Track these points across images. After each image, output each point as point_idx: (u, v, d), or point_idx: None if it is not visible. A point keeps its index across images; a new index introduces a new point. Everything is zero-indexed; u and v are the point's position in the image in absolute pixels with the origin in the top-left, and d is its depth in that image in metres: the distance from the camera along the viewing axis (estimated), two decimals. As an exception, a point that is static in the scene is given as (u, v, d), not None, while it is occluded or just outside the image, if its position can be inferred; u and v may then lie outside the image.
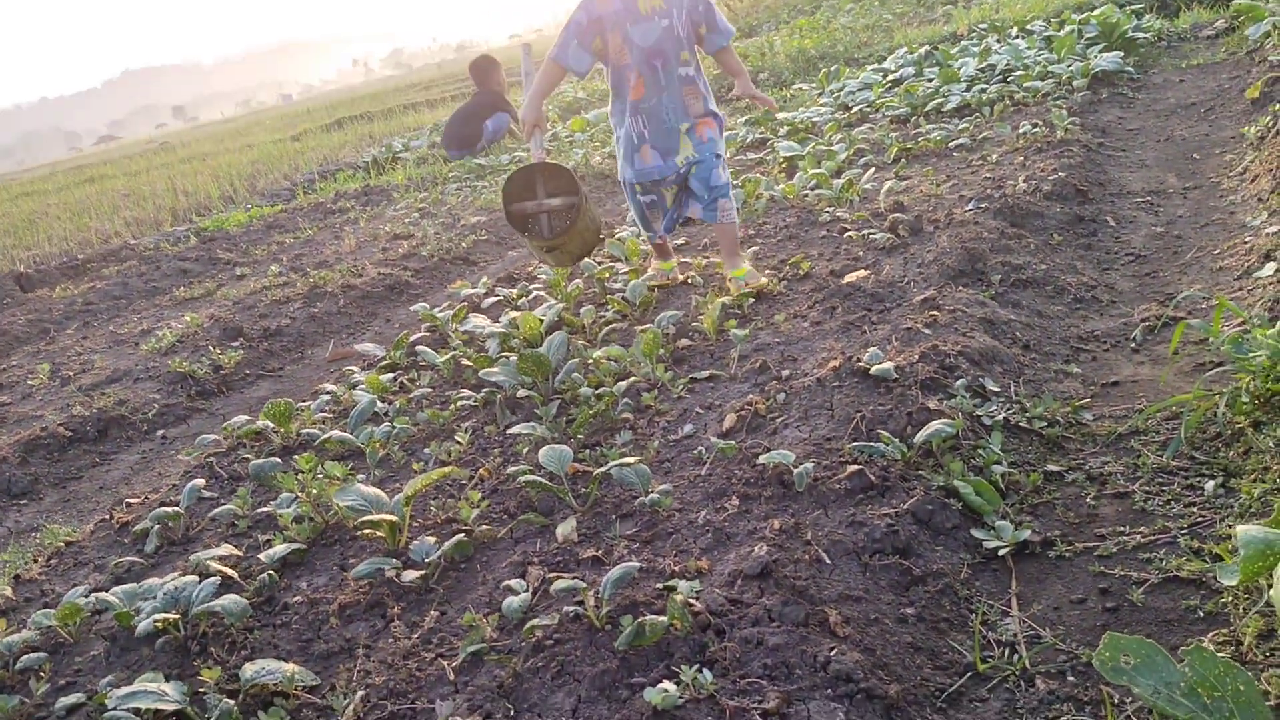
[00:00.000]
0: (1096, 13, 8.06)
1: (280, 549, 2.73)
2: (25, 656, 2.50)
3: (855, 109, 7.71)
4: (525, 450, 3.14)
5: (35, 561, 3.21)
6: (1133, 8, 8.86)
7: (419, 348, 4.23)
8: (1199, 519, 2.28)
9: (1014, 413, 2.83)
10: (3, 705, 2.31)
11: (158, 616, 2.41)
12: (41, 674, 2.45)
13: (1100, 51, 7.39)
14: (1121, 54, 7.23)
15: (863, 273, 4.00)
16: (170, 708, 2.10)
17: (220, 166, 17.22)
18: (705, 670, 1.91)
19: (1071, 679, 1.91)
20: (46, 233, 12.84)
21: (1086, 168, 4.97)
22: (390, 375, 4.11)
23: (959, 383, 2.92)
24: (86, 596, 2.71)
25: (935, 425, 2.61)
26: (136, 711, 2.14)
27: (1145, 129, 5.89)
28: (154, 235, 10.80)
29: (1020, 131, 5.73)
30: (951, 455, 2.60)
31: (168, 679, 2.25)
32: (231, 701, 2.12)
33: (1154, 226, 4.26)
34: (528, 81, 4.34)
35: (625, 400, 3.32)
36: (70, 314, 7.36)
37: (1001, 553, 2.30)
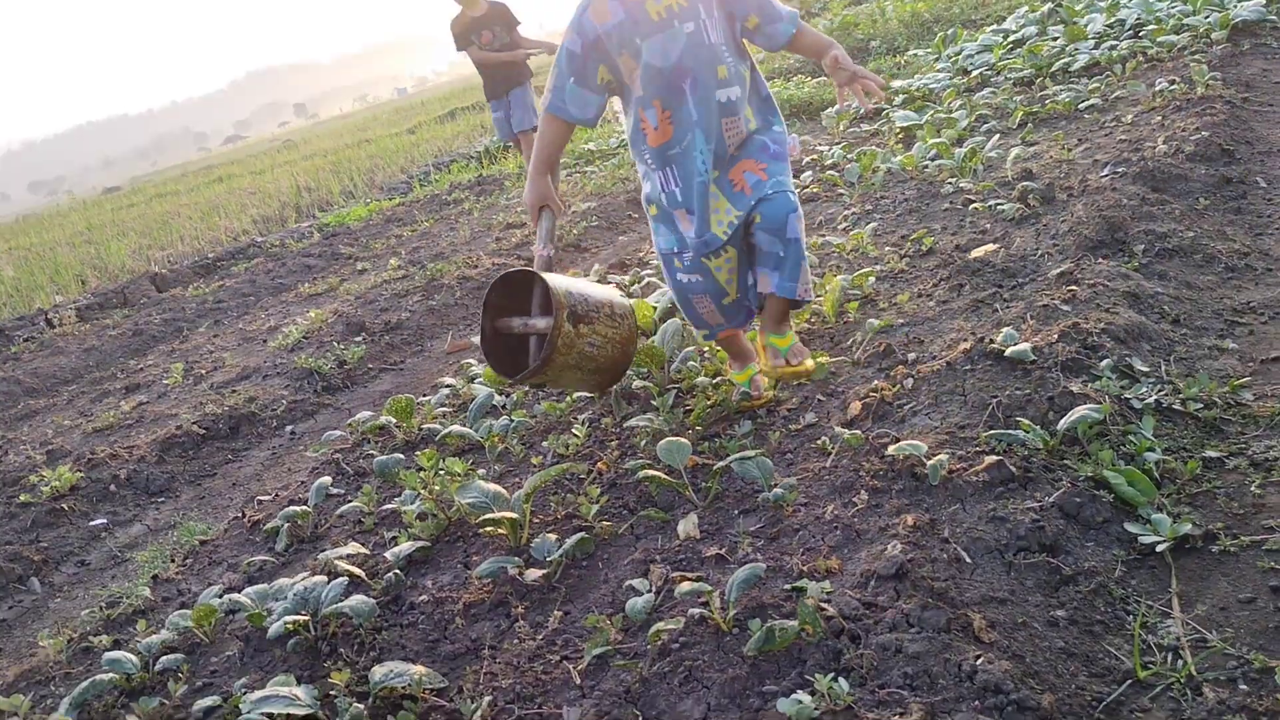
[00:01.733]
0: (1236, -42, 7.54)
1: (405, 547, 2.73)
2: (164, 658, 2.56)
3: (975, 73, 7.40)
4: (643, 442, 3.08)
5: (172, 561, 3.30)
6: (1276, -50, 8.26)
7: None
8: (1383, 509, 2.07)
9: (1166, 394, 2.64)
10: (144, 707, 2.36)
11: (288, 618, 2.43)
12: (179, 675, 2.50)
13: (1238, 1, 6.91)
14: (1264, 1, 6.75)
15: (991, 247, 3.80)
16: (302, 712, 2.10)
17: (340, 162, 17.67)
18: (841, 679, 1.82)
19: (1244, 687, 1.75)
20: (179, 232, 13.37)
21: (1231, 125, 4.64)
22: (507, 367, 4.09)
23: (1104, 363, 2.73)
24: (220, 597, 2.76)
25: (1080, 410, 2.44)
26: (270, 716, 2.16)
27: (1295, 80, 5.48)
28: (279, 232, 11.13)
29: (1156, 89, 5.40)
30: (1099, 443, 2.43)
31: (299, 681, 2.26)
32: (361, 705, 2.12)
33: (1312, 185, 3.94)
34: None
35: (743, 389, 3.23)
36: (202, 312, 7.62)
37: (1159, 548, 2.14)
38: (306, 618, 2.46)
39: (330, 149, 23.84)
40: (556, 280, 2.87)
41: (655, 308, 3.97)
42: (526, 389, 3.78)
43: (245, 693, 2.25)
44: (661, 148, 2.76)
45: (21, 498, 4.12)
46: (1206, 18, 6.63)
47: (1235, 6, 6.66)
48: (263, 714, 2.13)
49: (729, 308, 2.98)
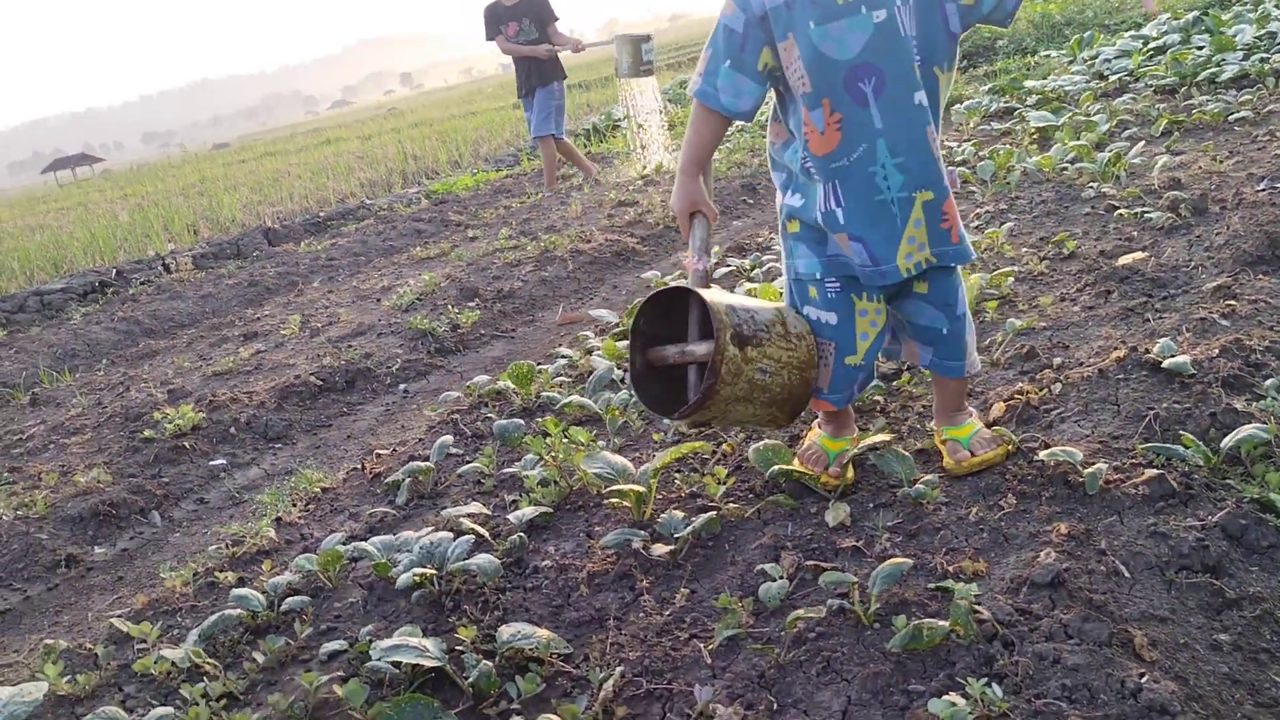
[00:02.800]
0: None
1: (529, 511, 2.72)
2: (289, 599, 2.58)
3: (1113, 78, 7.16)
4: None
5: (294, 505, 3.34)
6: None
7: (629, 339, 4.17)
8: None
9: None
10: (270, 645, 2.38)
11: (415, 570, 2.44)
12: (304, 617, 2.52)
13: None
14: None
15: (1140, 254, 3.66)
16: (430, 664, 2.10)
17: (446, 132, 17.88)
18: (994, 685, 1.74)
19: None
20: (288, 190, 13.66)
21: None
22: (624, 342, 4.06)
23: (1268, 382, 2.60)
24: (345, 544, 2.78)
25: (1247, 430, 2.32)
26: (397, 664, 2.17)
27: None
28: (387, 196, 11.28)
29: None
30: (1264, 464, 2.31)
31: (425, 633, 2.26)
32: (489, 663, 2.10)
33: None
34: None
35: (876, 383, 3.15)
36: (315, 268, 7.75)
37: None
38: (432, 572, 2.46)
39: (436, 119, 24.16)
40: (715, 296, 2.34)
41: (780, 293, 3.89)
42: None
43: (372, 640, 2.27)
44: (826, 157, 2.26)
45: (145, 433, 4.23)
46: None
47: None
48: (391, 661, 2.14)
49: (846, 372, 2.48)
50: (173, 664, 2.38)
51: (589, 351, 4.07)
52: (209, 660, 2.37)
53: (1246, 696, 1.79)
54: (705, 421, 2.49)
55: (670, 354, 2.46)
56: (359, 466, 3.52)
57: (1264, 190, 4.01)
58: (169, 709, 2.07)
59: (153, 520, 3.66)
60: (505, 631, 2.17)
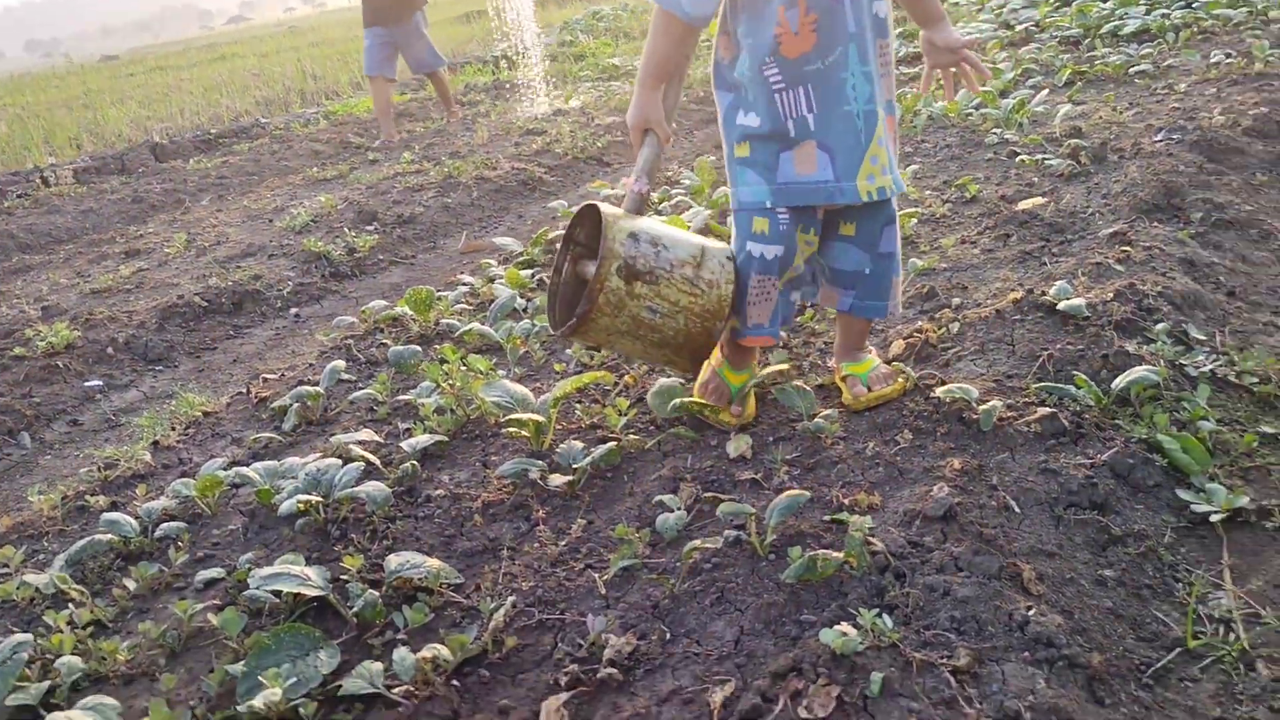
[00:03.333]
0: (1298, -63, 7.34)
1: (423, 439, 2.64)
2: (164, 524, 2.47)
3: (1019, 27, 7.23)
4: (673, 360, 2.98)
5: (173, 429, 3.19)
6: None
7: (558, 245, 4.09)
8: None
9: (1221, 365, 2.56)
10: (142, 572, 2.27)
11: (300, 497, 2.34)
12: (180, 544, 2.41)
13: (1302, -23, 6.73)
14: (1326, -16, 6.58)
15: (1040, 200, 3.70)
16: (312, 593, 2.02)
17: (349, 53, 17.22)
18: (885, 615, 1.75)
19: (1301, 668, 1.70)
20: (180, 106, 13.04)
21: (1291, 103, 4.52)
22: (529, 271, 3.98)
23: (1159, 327, 2.65)
24: (226, 470, 2.66)
25: (1138, 372, 2.36)
26: (277, 594, 2.08)
27: (1356, 65, 5.34)
28: (284, 116, 10.85)
29: (1212, 61, 5.26)
30: (1153, 406, 2.36)
31: (308, 562, 2.18)
32: (375, 593, 2.04)
33: (1371, 172, 3.84)
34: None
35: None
36: (204, 186, 7.42)
37: (1213, 519, 2.07)
38: (318, 499, 2.37)
39: (339, 39, 23.27)
40: (622, 221, 2.24)
41: (689, 226, 3.84)
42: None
43: (251, 568, 2.17)
44: (799, 60, 2.12)
45: (15, 351, 4.00)
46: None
47: (1296, -13, 6.50)
48: (270, 591, 2.06)
49: (788, 305, 2.44)
50: (36, 589, 2.25)
51: (491, 280, 3.97)
52: (75, 586, 2.25)
53: (1129, 631, 1.83)
54: (594, 346, 2.50)
55: (590, 270, 2.34)
56: (244, 391, 3.38)
57: (1160, 141, 4.08)
58: (28, 635, 1.96)
59: (22, 442, 3.47)
60: (393, 560, 2.10)
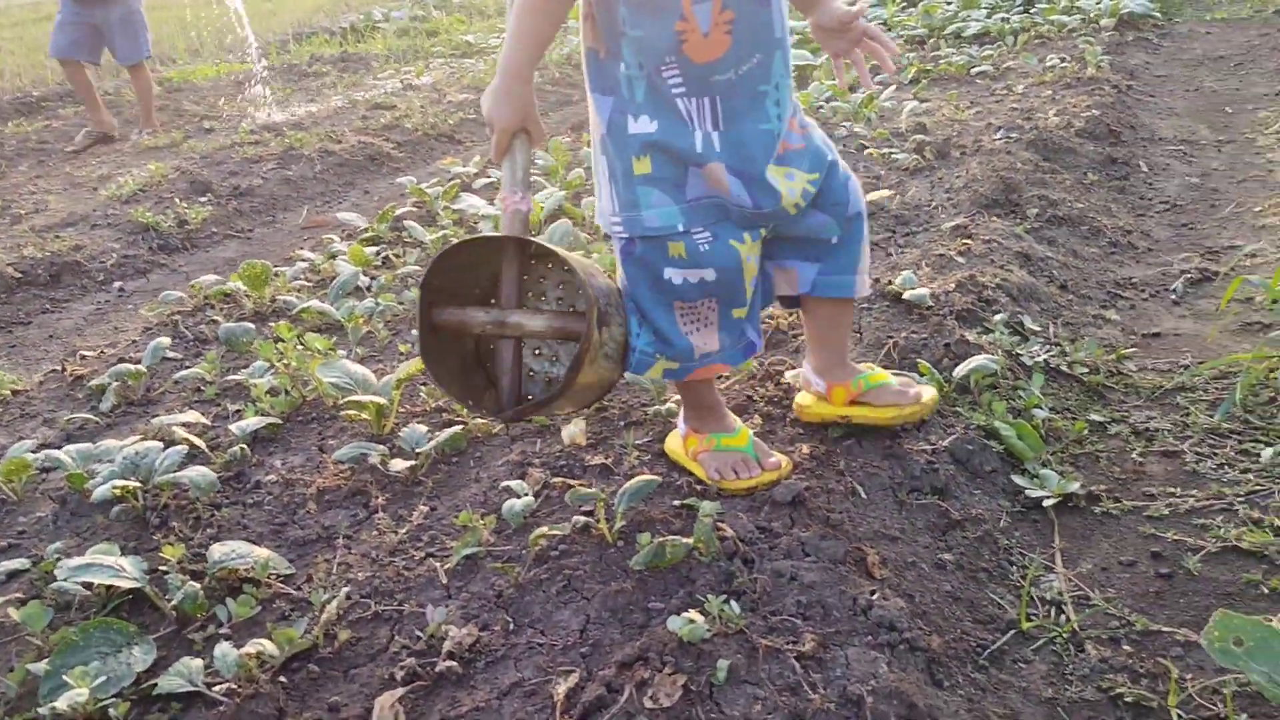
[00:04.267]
0: (1124, -47, 7.76)
1: (253, 421, 2.49)
2: (-38, 512, 2.26)
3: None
4: (523, 342, 2.91)
5: (-24, 409, 2.94)
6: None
7: (406, 222, 3.96)
8: (1257, 487, 2.12)
9: (1054, 355, 2.65)
10: (-66, 563, 2.07)
11: (116, 482, 2.17)
12: (-20, 533, 2.21)
13: (1127, -7, 7.11)
14: (1149, -2, 6.98)
15: (886, 192, 3.77)
16: (126, 585, 1.88)
17: (186, 18, 16.41)
18: (733, 602, 1.72)
19: (1126, 648, 1.75)
20: (-1, 67, 12.14)
21: (1117, 109, 4.75)
22: (374, 249, 3.83)
23: (997, 317, 2.73)
24: (35, 452, 2.46)
25: (978, 360, 2.42)
26: (88, 586, 1.93)
27: (1173, 77, 5.67)
28: (115, 80, 10.22)
29: (1048, 64, 5.49)
30: (991, 394, 2.42)
31: (124, 552, 2.03)
32: (196, 585, 1.90)
33: (1188, 176, 4.07)
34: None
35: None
36: (23, 151, 6.91)
37: (1045, 503, 2.14)
38: (136, 485, 2.21)
39: (176, 3, 22.15)
40: (578, 258, 1.82)
41: (542, 207, 3.77)
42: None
43: (60, 558, 2.01)
44: (706, 67, 1.71)
45: None
46: (1098, 3, 6.80)
47: (1124, -2, 6.87)
48: (80, 583, 1.90)
49: (733, 325, 1.96)
50: None
51: (334, 256, 3.80)
52: None
53: (966, 613, 1.86)
54: (535, 415, 2.00)
55: (479, 321, 1.81)
56: (59, 369, 3.14)
57: (1000, 139, 4.23)
58: None
59: None
60: (217, 550, 1.97)
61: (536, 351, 1.95)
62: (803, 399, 2.24)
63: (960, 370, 2.42)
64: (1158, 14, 6.96)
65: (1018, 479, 2.21)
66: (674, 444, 2.21)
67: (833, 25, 1.93)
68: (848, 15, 1.91)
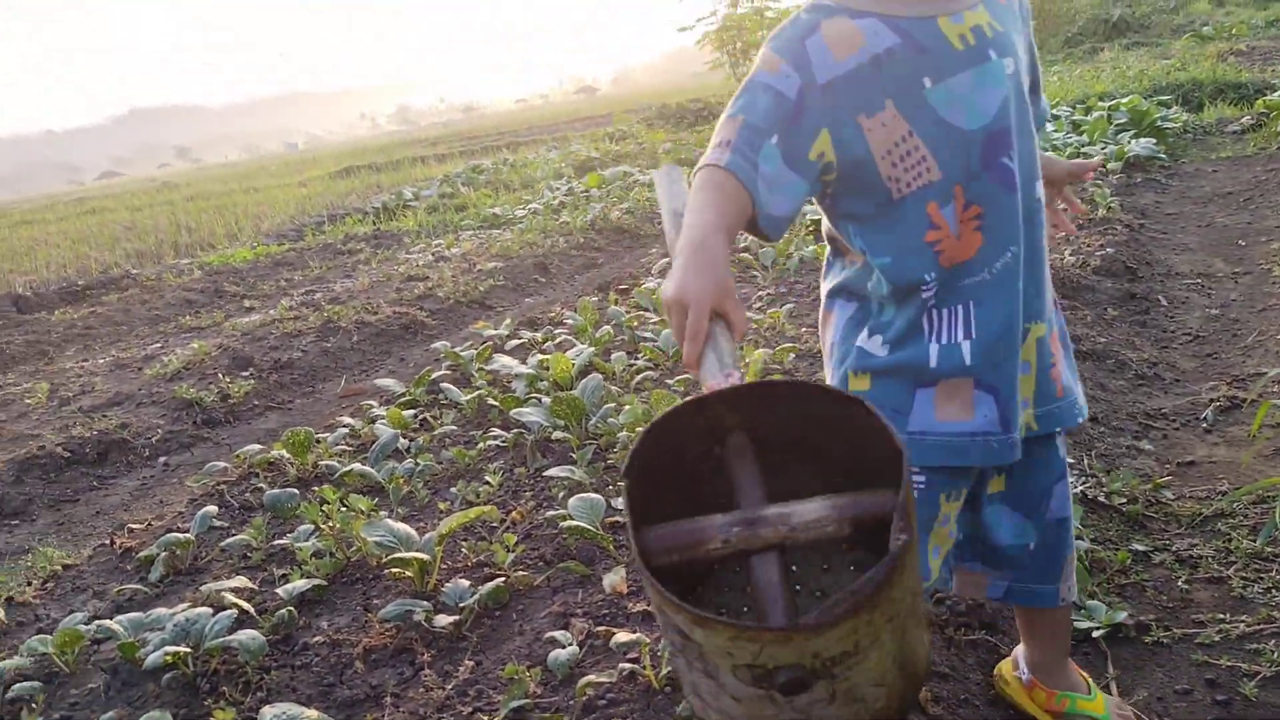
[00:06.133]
0: (1125, 101, 8.09)
1: (300, 584, 2.53)
2: (17, 685, 2.28)
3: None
4: (561, 494, 2.95)
5: (29, 584, 2.98)
6: (1159, 99, 8.89)
7: (442, 385, 4.06)
8: (1308, 610, 2.10)
9: (1090, 487, 2.66)
10: (-11, 738, 2.08)
11: (167, 649, 2.20)
12: (34, 705, 2.23)
13: (1131, 138, 7.36)
14: (1154, 141, 7.20)
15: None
16: (179, 751, 1.89)
17: (226, 206, 17.14)
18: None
19: (1192, 777, 1.72)
20: (45, 259, 12.69)
21: (1132, 246, 4.87)
22: (411, 412, 3.92)
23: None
24: (87, 624, 2.49)
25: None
26: (140, 754, 1.93)
27: (1184, 214, 5.81)
28: (156, 267, 10.65)
29: (1059, 208, 5.64)
30: (1030, 525, 2.42)
31: (175, 719, 2.04)
32: (248, 749, 1.91)
33: (1208, 309, 4.13)
34: (673, 225, 1.38)
35: None
36: (69, 337, 7.17)
37: (1095, 634, 2.12)
38: (187, 650, 2.23)
39: (215, 193, 23.18)
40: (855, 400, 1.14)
41: (573, 363, 3.87)
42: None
43: (112, 728, 2.02)
44: (956, 271, 1.46)
45: None
46: (1104, 149, 7.02)
47: (1129, 142, 7.09)
48: (133, 752, 1.91)
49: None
50: None
51: (373, 420, 3.89)
52: (-90, 759, 2.05)
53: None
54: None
55: (717, 532, 1.11)
56: (108, 542, 3.19)
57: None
58: None
59: None
60: (268, 713, 1.98)
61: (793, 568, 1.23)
62: (1005, 669, 1.95)
63: (997, 504, 2.43)
64: (1163, 156, 7.17)
65: (1065, 610, 2.19)
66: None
67: (1064, 179, 1.79)
68: (1085, 167, 1.83)
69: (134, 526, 3.31)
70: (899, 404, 1.51)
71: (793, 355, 3.84)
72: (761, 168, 1.37)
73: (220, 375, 5.05)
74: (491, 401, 3.81)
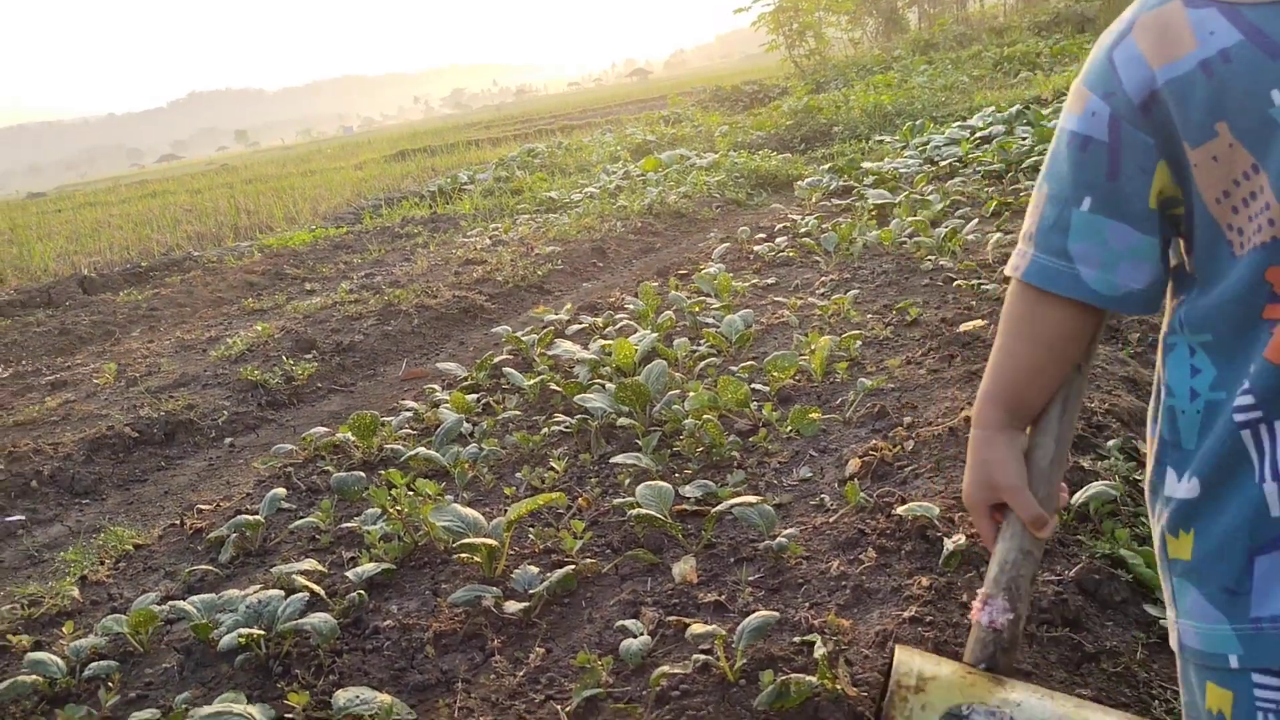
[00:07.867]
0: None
1: (369, 568, 2.53)
2: (93, 664, 2.31)
3: (943, 163, 7.53)
4: (627, 481, 2.93)
5: (102, 564, 3.03)
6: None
7: (504, 369, 4.06)
8: None
9: (1173, 479, 2.58)
10: (70, 715, 2.12)
11: (241, 631, 2.21)
12: (110, 684, 2.26)
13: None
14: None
15: (980, 322, 3.77)
16: (256, 733, 1.89)
17: (283, 189, 17.32)
18: (868, 741, 1.68)
19: (1290, 784, 1.65)
20: (109, 241, 12.93)
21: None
22: (474, 396, 3.92)
23: (1110, 443, 2.68)
24: (160, 604, 2.52)
25: (1096, 487, 2.37)
26: (218, 734, 1.94)
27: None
28: (217, 249, 10.79)
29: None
30: (1113, 521, 2.36)
31: (250, 700, 2.05)
32: (323, 732, 1.91)
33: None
34: None
35: (732, 438, 3.11)
36: (134, 318, 7.28)
37: (1183, 632, 2.05)
38: (259, 633, 2.24)
39: (272, 175, 23.46)
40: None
41: (637, 348, 3.85)
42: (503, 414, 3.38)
43: (189, 708, 2.03)
44: None
45: (-70, 485, 3.80)
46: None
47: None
48: (211, 732, 1.92)
49: None
50: (-51, 739, 2.08)
51: (436, 405, 3.90)
52: (-7, 734, 2.08)
53: (1109, 749, 1.77)
54: None
55: None
56: (178, 522, 3.23)
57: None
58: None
59: (-67, 582, 3.26)
60: (341, 696, 1.99)
61: None
62: None
63: (1078, 498, 2.37)
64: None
65: (1150, 609, 2.13)
66: None
67: None
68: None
69: (203, 507, 3.35)
70: (1232, 577, 1.00)
71: (859, 343, 3.79)
72: (1074, 245, 1.03)
73: (284, 357, 5.09)
74: (554, 387, 3.80)
